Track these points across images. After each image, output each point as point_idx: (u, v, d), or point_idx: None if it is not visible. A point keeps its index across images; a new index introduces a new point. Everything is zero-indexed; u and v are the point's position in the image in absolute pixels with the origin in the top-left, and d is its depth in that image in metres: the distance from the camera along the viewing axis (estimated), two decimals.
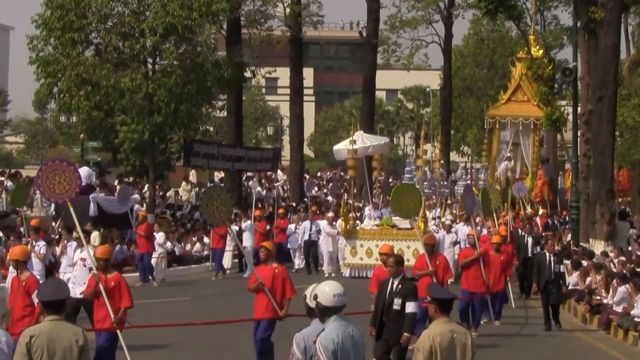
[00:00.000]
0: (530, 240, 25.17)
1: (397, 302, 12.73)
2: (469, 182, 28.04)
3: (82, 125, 51.84)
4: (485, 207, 23.23)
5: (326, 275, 27.65)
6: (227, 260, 29.35)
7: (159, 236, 27.04)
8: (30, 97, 79.53)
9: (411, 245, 26.66)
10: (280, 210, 32.18)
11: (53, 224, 28.03)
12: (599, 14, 26.87)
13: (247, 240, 28.80)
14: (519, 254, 23.56)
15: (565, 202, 37.08)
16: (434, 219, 30.08)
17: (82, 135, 44.79)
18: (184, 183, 39.57)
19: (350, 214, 29.61)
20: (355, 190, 32.80)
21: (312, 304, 7.98)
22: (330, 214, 30.31)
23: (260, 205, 34.81)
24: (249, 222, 29.37)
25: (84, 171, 31.16)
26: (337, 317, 7.82)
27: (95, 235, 24.12)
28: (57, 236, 26.44)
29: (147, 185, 35.48)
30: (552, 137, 40.27)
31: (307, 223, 30.32)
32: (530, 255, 24.20)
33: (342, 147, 34.04)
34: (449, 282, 16.78)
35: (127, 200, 28.89)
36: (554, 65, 47.52)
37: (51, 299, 8.26)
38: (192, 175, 42.88)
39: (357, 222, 30.11)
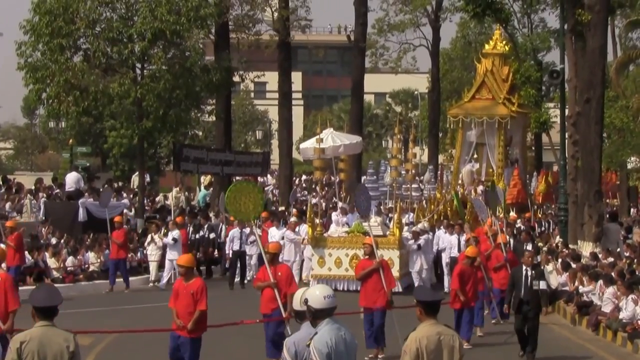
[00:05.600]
0: (530, 248, 23.32)
1: None
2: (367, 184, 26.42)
3: (71, 131, 51.89)
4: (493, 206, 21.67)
5: None
6: (154, 272, 27.10)
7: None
8: (19, 103, 79.40)
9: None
10: (232, 218, 29.54)
11: (42, 229, 28.01)
12: (586, 16, 26.99)
13: (174, 254, 25.38)
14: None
15: (538, 205, 36.34)
16: (407, 224, 27.32)
17: (71, 141, 44.83)
18: (175, 189, 39.54)
19: (317, 220, 26.78)
20: (341, 194, 31.05)
21: (303, 308, 7.97)
22: (293, 219, 27.56)
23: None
24: (176, 231, 26.54)
25: (72, 176, 31.18)
26: (329, 320, 7.78)
27: None
28: (47, 241, 26.47)
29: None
30: (521, 138, 37.96)
31: (235, 231, 26.94)
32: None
33: (309, 146, 30.44)
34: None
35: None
36: (542, 67, 47.74)
37: (43, 305, 8.25)
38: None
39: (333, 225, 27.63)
